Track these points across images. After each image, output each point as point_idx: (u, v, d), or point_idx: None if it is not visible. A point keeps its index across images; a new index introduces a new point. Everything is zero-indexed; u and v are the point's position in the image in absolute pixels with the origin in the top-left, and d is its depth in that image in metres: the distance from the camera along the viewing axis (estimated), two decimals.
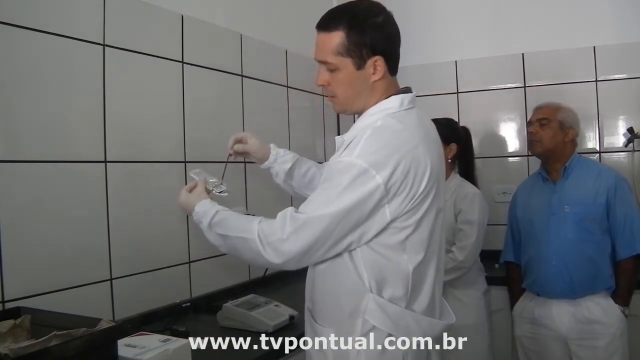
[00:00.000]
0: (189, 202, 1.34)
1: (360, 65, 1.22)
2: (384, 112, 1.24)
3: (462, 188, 2.18)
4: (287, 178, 1.55)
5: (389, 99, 1.26)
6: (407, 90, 1.31)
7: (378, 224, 1.16)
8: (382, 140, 1.16)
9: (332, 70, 1.24)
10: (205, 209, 1.29)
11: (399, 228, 1.18)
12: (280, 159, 1.54)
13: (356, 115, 1.32)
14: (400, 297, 1.20)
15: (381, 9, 1.25)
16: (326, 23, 1.24)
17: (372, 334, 1.20)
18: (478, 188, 2.24)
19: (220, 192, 1.42)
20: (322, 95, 2.64)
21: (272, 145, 1.56)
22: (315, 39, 1.26)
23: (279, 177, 1.56)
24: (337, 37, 1.21)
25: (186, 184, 1.96)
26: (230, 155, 1.54)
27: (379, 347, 1.19)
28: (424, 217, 1.20)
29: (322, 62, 1.25)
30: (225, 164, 1.54)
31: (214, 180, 1.45)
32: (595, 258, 1.98)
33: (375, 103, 1.26)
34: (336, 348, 1.22)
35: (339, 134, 1.56)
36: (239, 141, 1.54)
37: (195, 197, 1.34)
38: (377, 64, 1.23)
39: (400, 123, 1.21)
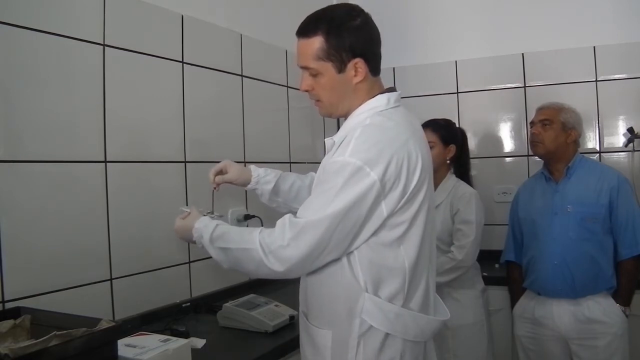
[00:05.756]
0: (187, 224, 1.33)
1: (341, 68, 1.23)
2: (372, 110, 1.25)
3: (458, 188, 2.18)
4: (273, 196, 1.55)
5: (375, 98, 1.27)
6: (391, 89, 1.31)
7: (375, 221, 1.16)
8: (373, 138, 1.17)
9: (315, 75, 1.25)
10: (205, 224, 1.29)
11: (395, 224, 1.18)
12: (262, 180, 1.54)
13: (342, 118, 1.33)
14: (398, 295, 1.21)
15: (359, 12, 1.26)
16: (305, 29, 1.25)
17: (369, 334, 1.20)
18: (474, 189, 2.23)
19: (213, 217, 1.40)
20: None
21: (252, 167, 1.56)
22: (296, 45, 1.27)
23: (264, 197, 1.56)
24: (316, 42, 1.22)
25: (186, 185, 1.99)
26: (214, 189, 1.54)
27: (377, 346, 1.20)
28: (419, 213, 1.21)
29: (304, 68, 1.27)
30: (212, 196, 1.54)
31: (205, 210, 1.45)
32: (597, 258, 1.98)
33: (360, 104, 1.27)
34: (333, 349, 1.22)
35: None
36: (218, 172, 1.54)
37: (192, 218, 1.34)
38: (357, 66, 1.23)
39: (390, 120, 1.23)
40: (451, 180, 2.22)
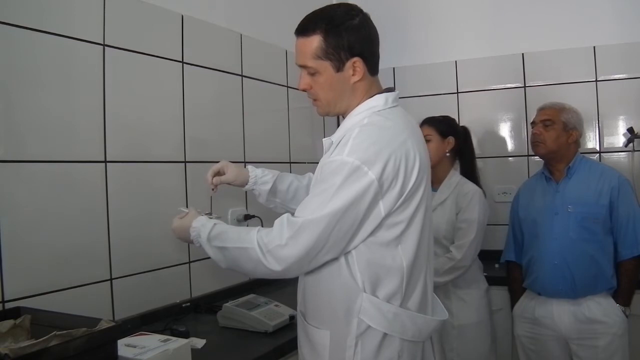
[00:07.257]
0: (184, 223, 1.33)
1: (339, 67, 1.24)
2: (370, 110, 1.25)
3: (463, 186, 2.17)
4: (270, 197, 1.56)
5: (373, 97, 1.27)
6: (390, 89, 1.31)
7: (373, 221, 1.16)
8: (371, 137, 1.17)
9: (313, 74, 1.26)
10: (202, 223, 1.29)
11: (393, 224, 1.19)
12: (259, 181, 1.54)
13: (341, 117, 1.33)
14: (395, 294, 1.21)
15: (358, 11, 1.26)
16: (304, 28, 1.26)
17: (367, 334, 1.20)
18: (481, 187, 2.22)
19: (211, 217, 1.40)
20: None
21: (250, 168, 1.56)
22: (295, 44, 1.28)
23: (262, 198, 1.57)
24: (315, 41, 1.23)
25: (185, 185, 1.99)
26: (212, 190, 1.55)
27: (375, 346, 1.20)
28: (416, 212, 1.21)
29: (303, 67, 1.27)
30: (210, 197, 1.55)
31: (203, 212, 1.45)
32: (597, 258, 1.98)
33: (358, 104, 1.28)
34: (331, 349, 1.22)
35: None
36: (216, 173, 1.54)
37: (189, 217, 1.34)
38: (356, 65, 1.24)
39: (388, 120, 1.23)
40: (455, 177, 2.21)
